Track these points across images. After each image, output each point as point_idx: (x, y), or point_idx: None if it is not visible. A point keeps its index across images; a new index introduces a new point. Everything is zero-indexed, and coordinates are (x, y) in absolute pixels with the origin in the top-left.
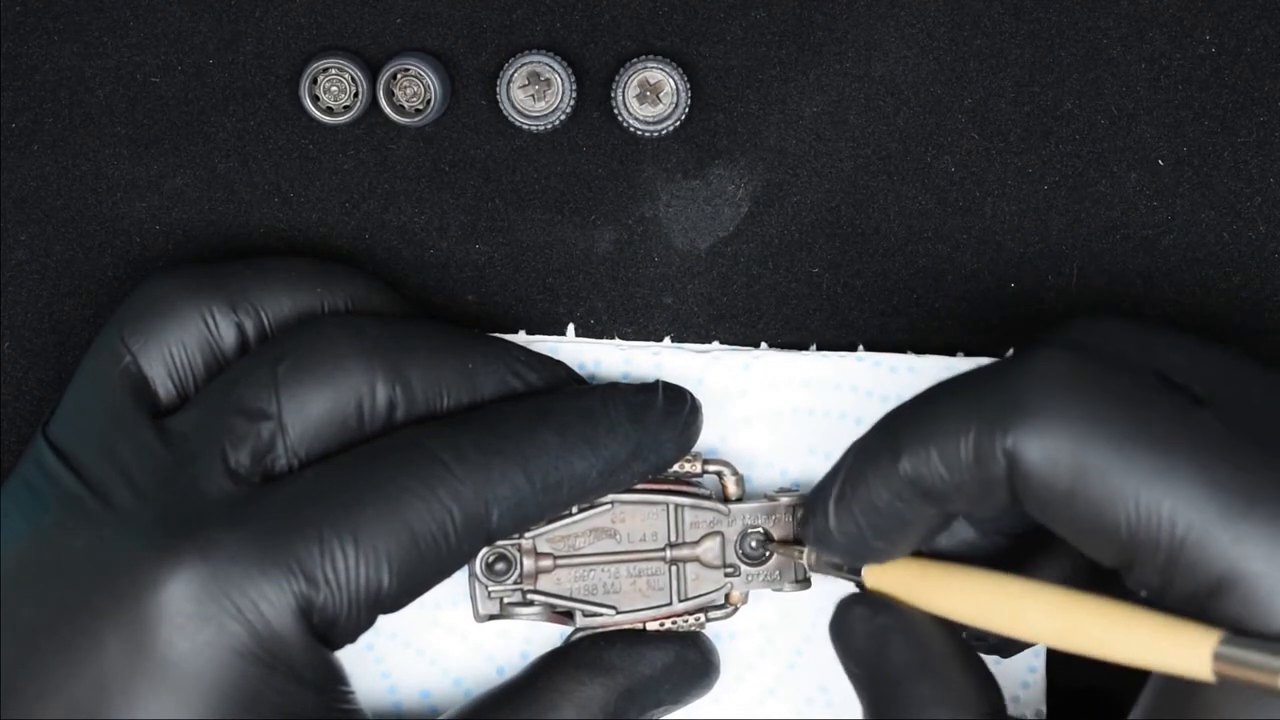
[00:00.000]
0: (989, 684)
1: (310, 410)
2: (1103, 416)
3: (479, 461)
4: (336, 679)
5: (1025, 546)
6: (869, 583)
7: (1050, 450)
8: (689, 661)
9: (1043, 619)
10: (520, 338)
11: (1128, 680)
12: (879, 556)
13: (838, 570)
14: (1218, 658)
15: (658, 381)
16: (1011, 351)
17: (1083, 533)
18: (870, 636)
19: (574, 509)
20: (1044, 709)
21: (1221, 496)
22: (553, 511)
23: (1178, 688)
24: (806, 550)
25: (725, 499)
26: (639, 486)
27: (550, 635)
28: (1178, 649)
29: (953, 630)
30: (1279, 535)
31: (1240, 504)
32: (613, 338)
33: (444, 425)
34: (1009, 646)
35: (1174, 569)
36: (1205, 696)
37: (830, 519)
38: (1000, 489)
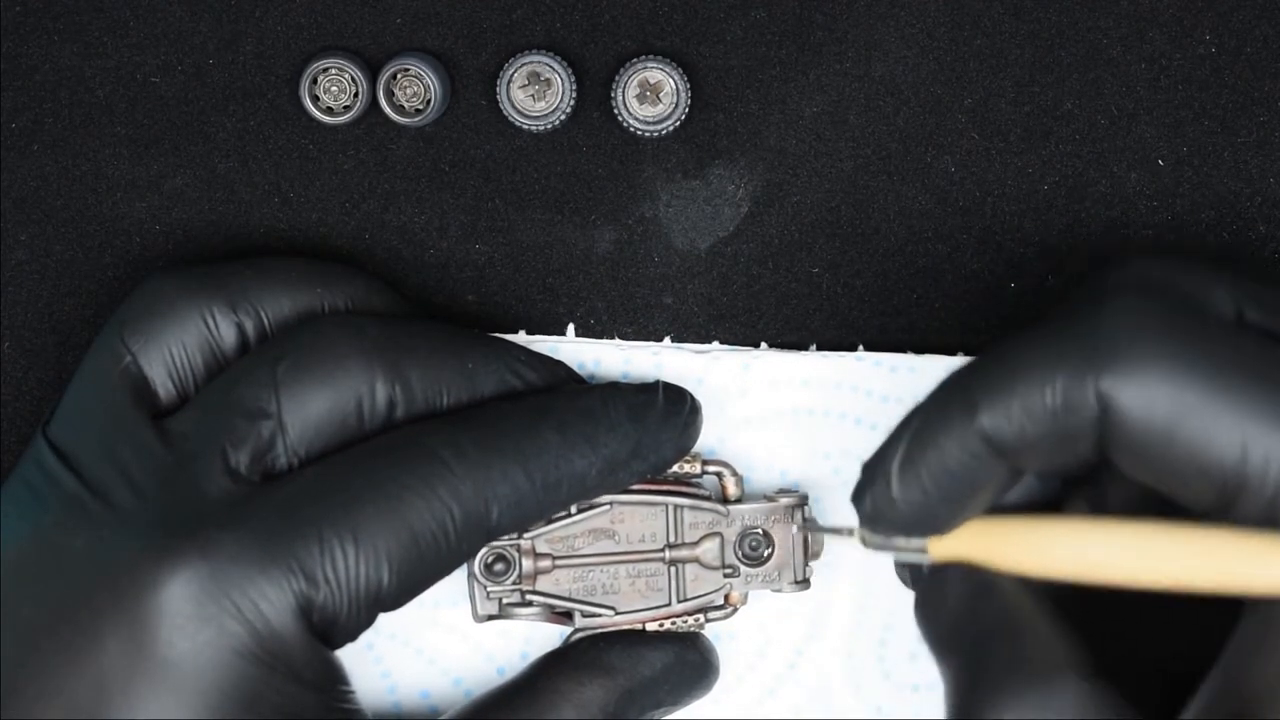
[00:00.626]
0: (1081, 644)
1: (310, 410)
2: (1197, 355)
3: (479, 460)
4: (337, 679)
5: (1076, 484)
6: (936, 554)
7: (1147, 391)
8: (688, 662)
9: (1131, 558)
10: (520, 338)
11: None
12: (944, 525)
13: (895, 546)
14: None
15: (658, 381)
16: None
17: (1181, 476)
18: (962, 601)
19: (573, 509)
20: None
21: None
22: (552, 510)
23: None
24: (857, 529)
25: (724, 499)
26: (638, 487)
27: (550, 635)
28: (1273, 561)
29: (1043, 591)
30: None
31: None
32: (613, 338)
33: (444, 424)
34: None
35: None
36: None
37: (894, 487)
38: (1086, 439)
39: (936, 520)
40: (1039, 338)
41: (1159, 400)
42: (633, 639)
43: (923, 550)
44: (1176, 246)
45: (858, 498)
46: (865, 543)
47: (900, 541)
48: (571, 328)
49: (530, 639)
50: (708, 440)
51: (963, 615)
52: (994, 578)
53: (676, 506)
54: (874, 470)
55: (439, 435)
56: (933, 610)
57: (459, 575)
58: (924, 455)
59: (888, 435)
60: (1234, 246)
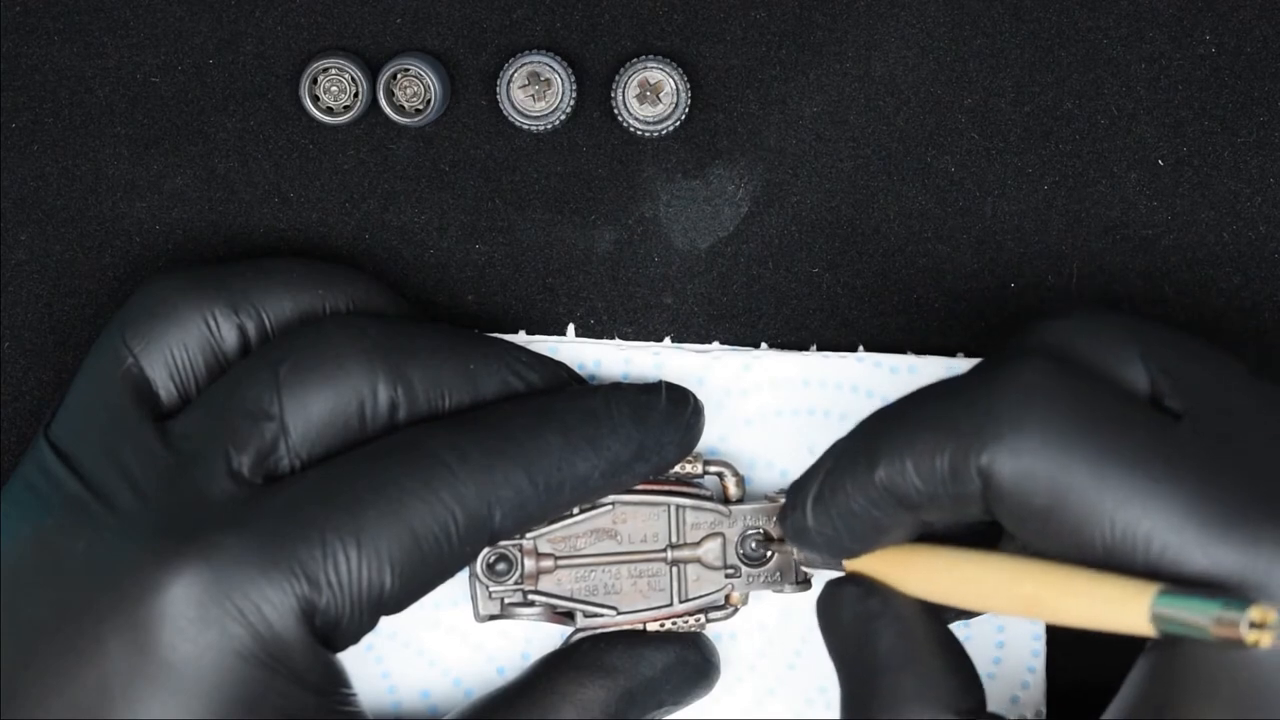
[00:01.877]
0: (971, 680)
1: (312, 411)
2: (1078, 435)
3: (481, 462)
4: (338, 681)
5: None
6: (849, 566)
7: (1025, 469)
8: (689, 662)
9: (998, 593)
10: (520, 338)
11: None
12: (854, 554)
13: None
14: (1156, 614)
15: (660, 382)
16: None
17: (1058, 549)
18: (856, 621)
19: (575, 510)
20: (1044, 709)
21: (1198, 517)
22: (555, 512)
23: (1151, 681)
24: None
25: (726, 500)
26: (640, 487)
27: (551, 636)
28: (1121, 606)
29: (938, 619)
30: (1254, 554)
31: (1217, 524)
32: (613, 338)
33: (446, 426)
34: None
35: None
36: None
37: (808, 518)
38: (975, 503)
39: (847, 552)
40: (940, 398)
41: (1037, 478)
42: (634, 639)
43: (839, 564)
44: (1105, 299)
45: (781, 519)
46: (796, 560)
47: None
48: (571, 328)
49: (531, 639)
50: (708, 440)
51: (857, 637)
52: (899, 603)
53: (678, 507)
54: (793, 499)
55: (441, 438)
56: (829, 621)
57: (460, 576)
58: (833, 497)
59: (811, 465)
60: (1234, 246)
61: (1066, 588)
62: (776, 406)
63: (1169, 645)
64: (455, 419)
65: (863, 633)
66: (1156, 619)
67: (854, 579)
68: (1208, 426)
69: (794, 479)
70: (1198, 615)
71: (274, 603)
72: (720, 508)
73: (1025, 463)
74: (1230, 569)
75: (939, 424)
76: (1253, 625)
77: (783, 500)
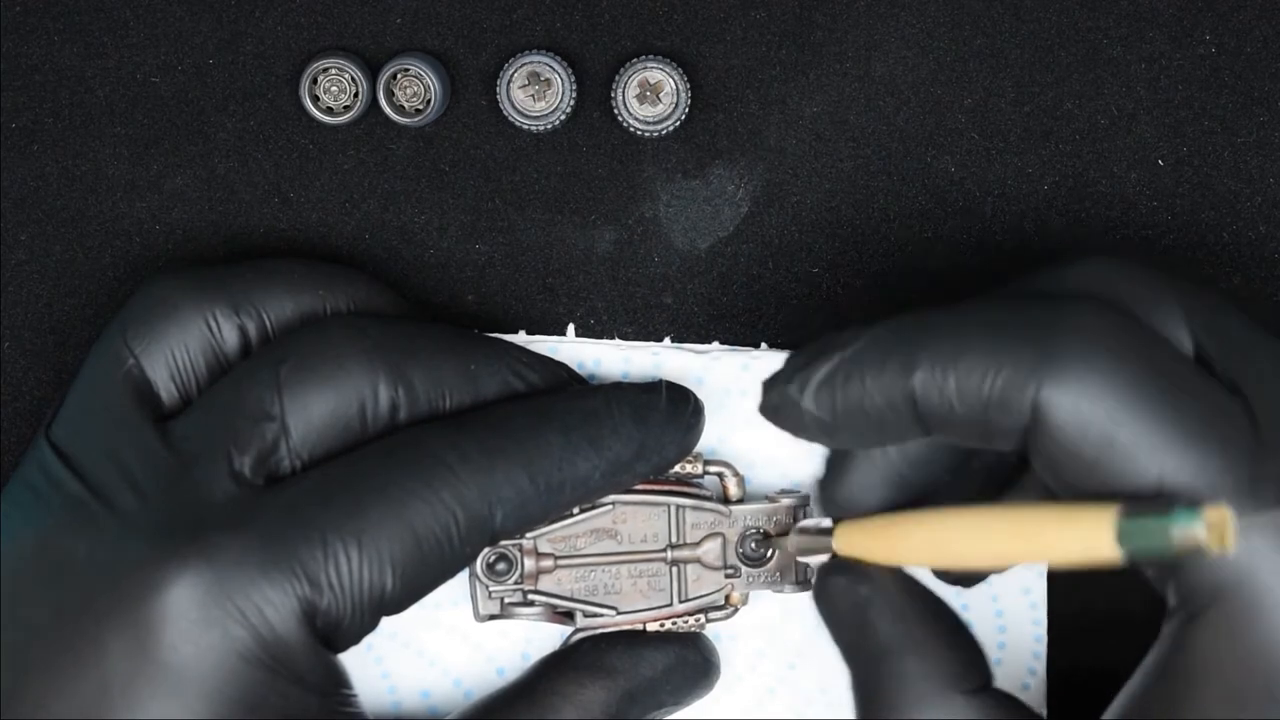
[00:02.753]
0: (974, 654)
1: (313, 412)
2: (1141, 388)
3: (482, 463)
4: (339, 682)
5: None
6: (839, 547)
7: (1084, 412)
8: (689, 662)
9: (968, 545)
10: (520, 338)
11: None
12: (833, 444)
13: (811, 549)
14: (1121, 536)
15: (661, 381)
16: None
17: (1088, 494)
18: (853, 610)
19: (575, 510)
20: (1044, 711)
21: (1241, 497)
22: (556, 512)
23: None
24: (791, 536)
25: (726, 500)
26: (640, 487)
27: (551, 636)
28: (1087, 536)
29: (931, 595)
30: None
31: (1256, 507)
32: (613, 338)
33: (447, 426)
34: (969, 578)
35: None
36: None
37: (807, 398)
38: (1011, 436)
39: (828, 438)
40: (994, 320)
41: (1093, 426)
42: (634, 640)
43: (827, 547)
44: (1152, 250)
45: (771, 383)
46: (791, 547)
47: (809, 535)
48: (571, 328)
49: (531, 640)
50: (708, 440)
51: (856, 627)
52: (878, 589)
53: (678, 507)
54: (792, 371)
55: (442, 438)
56: (828, 613)
57: (460, 576)
58: (846, 386)
59: (820, 341)
60: (1234, 246)
61: (1034, 527)
62: None
63: (1179, 640)
64: (456, 419)
65: (860, 622)
66: (1122, 541)
67: (839, 567)
68: (1262, 404)
69: (794, 480)
70: (1157, 530)
71: (275, 604)
72: (720, 508)
73: (1085, 406)
74: (1263, 557)
75: (996, 348)
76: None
77: (783, 501)
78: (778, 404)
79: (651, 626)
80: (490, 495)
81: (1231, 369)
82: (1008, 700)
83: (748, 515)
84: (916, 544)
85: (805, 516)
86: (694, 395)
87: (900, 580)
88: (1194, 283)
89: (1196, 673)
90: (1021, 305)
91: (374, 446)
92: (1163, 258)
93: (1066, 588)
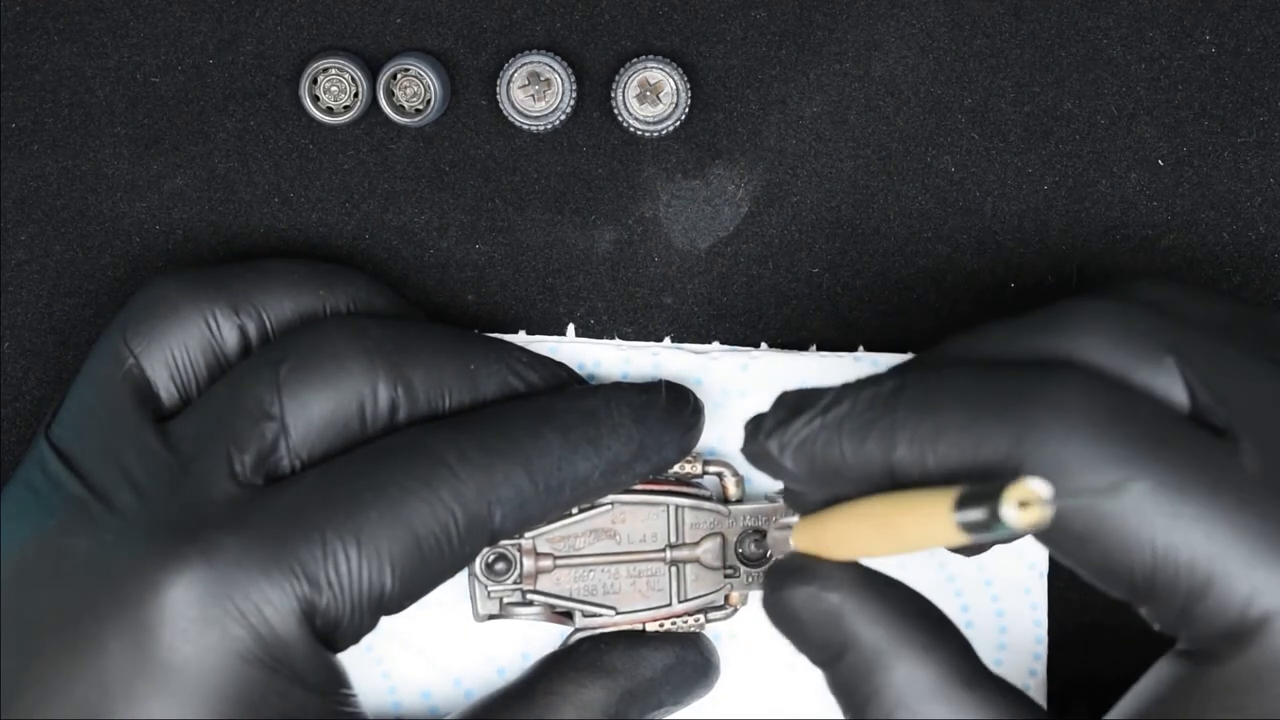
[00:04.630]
0: (960, 641)
1: (313, 412)
2: (1122, 461)
3: (482, 462)
4: (339, 681)
5: None
6: (797, 542)
7: (1079, 489)
8: (689, 662)
9: (854, 538)
10: (520, 338)
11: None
12: (811, 492)
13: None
14: (960, 525)
15: (660, 381)
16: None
17: (1092, 571)
18: (824, 620)
19: (574, 509)
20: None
21: (1245, 545)
22: (556, 512)
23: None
24: (772, 532)
25: (725, 500)
26: (639, 487)
27: (550, 636)
28: (931, 522)
29: (901, 588)
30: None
31: (1263, 553)
32: (613, 338)
33: (446, 426)
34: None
35: (1192, 613)
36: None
37: (787, 456)
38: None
39: (806, 487)
40: (973, 397)
41: (1073, 505)
42: (633, 640)
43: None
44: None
45: (752, 431)
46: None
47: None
48: (571, 328)
49: (531, 640)
50: (708, 440)
51: (830, 642)
52: (849, 597)
53: (677, 507)
54: (773, 428)
55: (442, 437)
56: (792, 627)
57: (459, 576)
58: (825, 451)
59: (798, 395)
60: (1234, 246)
61: (889, 518)
62: None
63: (1193, 683)
64: (456, 419)
65: (836, 634)
66: (963, 528)
67: (796, 576)
68: (1255, 448)
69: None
70: (980, 512)
71: (275, 603)
72: (719, 508)
73: (1072, 478)
74: (1276, 599)
75: (975, 427)
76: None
77: (782, 501)
78: (758, 454)
79: (651, 626)
80: (489, 494)
81: (1231, 415)
82: (1007, 689)
83: (747, 515)
84: (839, 538)
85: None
86: (693, 395)
87: (864, 577)
88: (1190, 324)
89: (1210, 688)
90: (1001, 377)
91: (373, 446)
92: (1157, 278)
93: (1067, 590)
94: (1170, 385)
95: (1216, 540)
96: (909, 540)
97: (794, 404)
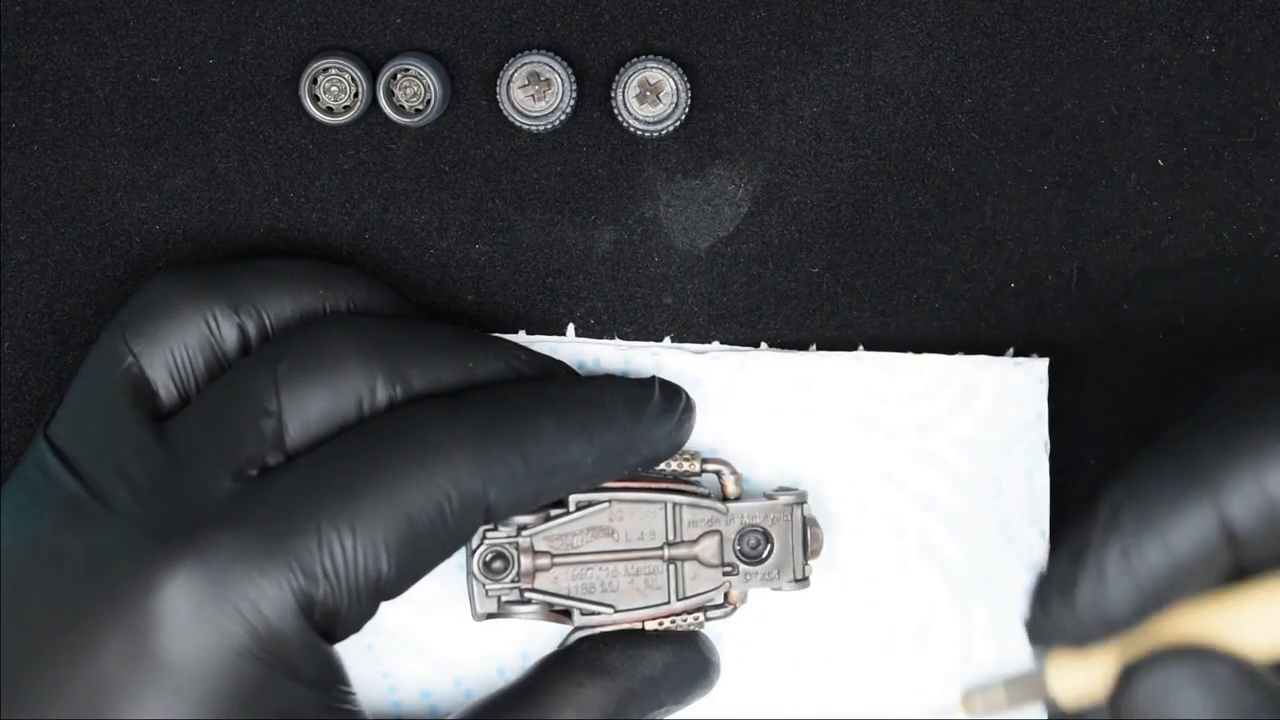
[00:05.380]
0: None
1: (311, 410)
2: None
3: (475, 443)
4: (337, 678)
5: None
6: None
7: None
8: (689, 661)
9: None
10: (520, 338)
11: None
12: (1135, 627)
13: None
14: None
15: (653, 377)
16: (1011, 351)
17: None
18: None
19: (571, 505)
20: None
21: None
22: (548, 497)
23: None
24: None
25: (724, 498)
26: (637, 485)
27: (550, 636)
28: None
29: None
30: None
31: None
32: (613, 338)
33: (440, 407)
34: None
35: None
36: None
37: (1107, 583)
38: None
39: (1134, 623)
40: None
41: None
42: (633, 639)
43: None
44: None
45: (1038, 611)
46: (993, 707)
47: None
48: (571, 328)
49: (530, 639)
50: (707, 439)
51: None
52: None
53: (675, 504)
54: (1064, 576)
55: (435, 418)
56: None
57: (459, 576)
58: (1147, 545)
59: (1077, 535)
60: (1234, 246)
61: None
62: (775, 406)
63: None
64: (450, 401)
65: None
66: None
67: (1194, 657)
68: None
69: (793, 479)
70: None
71: (271, 599)
72: (717, 505)
73: None
74: None
75: None
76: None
77: (781, 498)
78: (1077, 618)
79: (650, 625)
80: (483, 474)
81: None
82: None
83: (745, 513)
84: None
85: (804, 514)
86: (686, 392)
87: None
88: None
89: None
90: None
91: (366, 429)
92: None
93: None
94: None
95: None
96: None
97: (1057, 573)
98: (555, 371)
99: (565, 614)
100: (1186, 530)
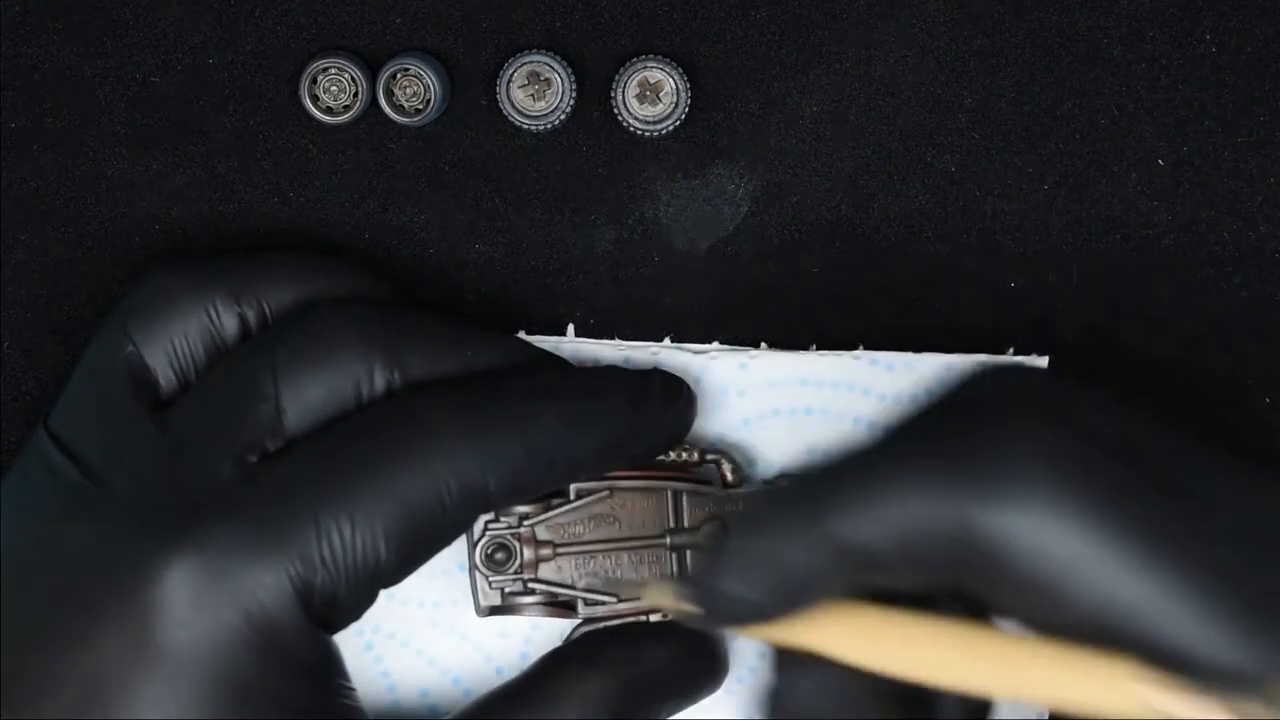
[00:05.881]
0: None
1: (308, 396)
2: (1095, 505)
3: (475, 430)
4: (335, 671)
5: None
6: (796, 637)
7: (1042, 541)
8: (696, 655)
9: (983, 668)
10: (520, 338)
11: None
12: (766, 616)
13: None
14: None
15: (654, 369)
16: (1011, 351)
17: (1046, 625)
18: None
19: (572, 494)
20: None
21: (1214, 606)
22: (548, 486)
23: None
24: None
25: (725, 485)
26: (638, 473)
27: (551, 635)
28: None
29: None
30: (1266, 652)
31: (1230, 616)
32: (613, 338)
33: (439, 394)
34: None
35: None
36: None
37: (731, 580)
38: (944, 570)
39: (761, 612)
40: (927, 458)
41: (1044, 551)
42: (635, 633)
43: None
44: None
45: (690, 582)
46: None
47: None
48: (571, 328)
49: (530, 639)
50: (705, 438)
51: None
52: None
53: (676, 491)
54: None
55: (434, 405)
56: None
57: (459, 577)
58: (775, 554)
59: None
60: (1234, 246)
61: (1064, 666)
62: (774, 406)
63: None
64: (449, 387)
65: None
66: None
67: (804, 664)
68: (1209, 511)
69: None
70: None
71: (269, 588)
72: (718, 492)
73: (1042, 533)
74: (1238, 664)
75: (931, 485)
76: None
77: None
78: (702, 596)
79: (655, 616)
80: (482, 462)
81: (1174, 474)
82: None
83: (746, 500)
84: (910, 650)
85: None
86: (686, 385)
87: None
88: (1114, 394)
89: None
90: (948, 434)
91: (365, 415)
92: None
93: None
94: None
95: (1188, 602)
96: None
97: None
98: (554, 364)
99: (569, 608)
100: (805, 550)
